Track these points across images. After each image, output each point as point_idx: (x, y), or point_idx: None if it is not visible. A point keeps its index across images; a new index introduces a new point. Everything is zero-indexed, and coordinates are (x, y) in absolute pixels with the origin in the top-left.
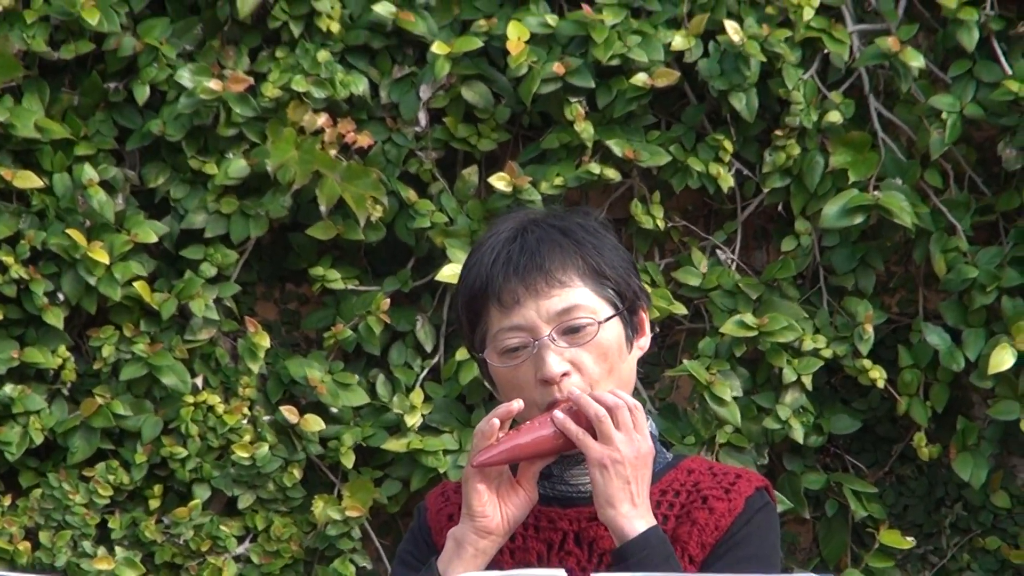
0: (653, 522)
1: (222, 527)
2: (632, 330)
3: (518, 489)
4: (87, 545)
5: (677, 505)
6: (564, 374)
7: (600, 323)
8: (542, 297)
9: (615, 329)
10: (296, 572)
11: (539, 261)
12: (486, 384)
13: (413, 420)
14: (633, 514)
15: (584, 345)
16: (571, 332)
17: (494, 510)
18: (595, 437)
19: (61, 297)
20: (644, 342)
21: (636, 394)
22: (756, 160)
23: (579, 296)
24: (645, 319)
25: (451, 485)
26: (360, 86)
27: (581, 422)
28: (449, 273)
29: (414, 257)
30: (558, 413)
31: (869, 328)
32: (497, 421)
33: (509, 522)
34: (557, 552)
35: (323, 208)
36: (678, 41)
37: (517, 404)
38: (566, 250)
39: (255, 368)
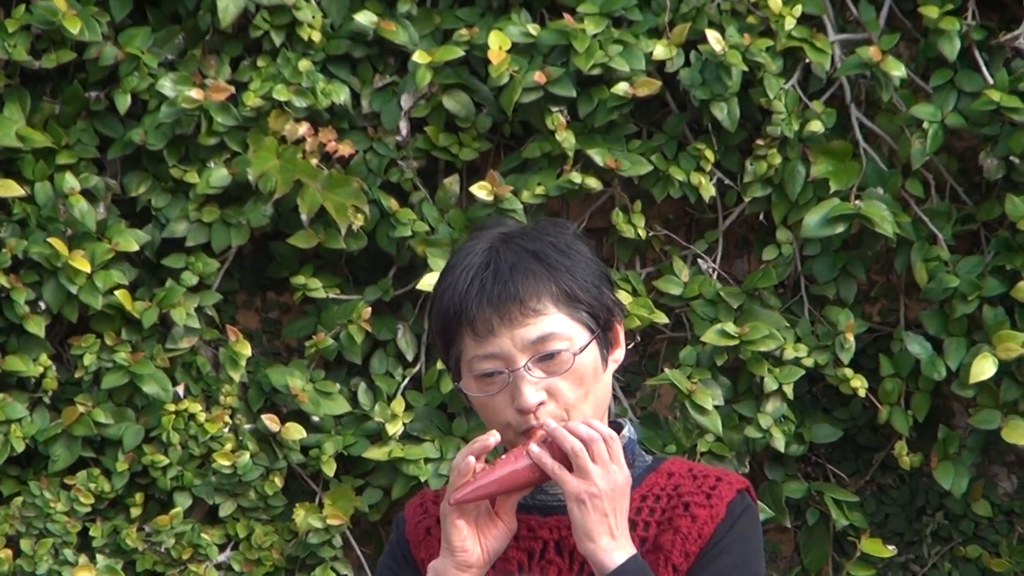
0: (632, 551)
1: (203, 535)
2: (607, 347)
3: (497, 521)
4: (68, 553)
5: (658, 511)
6: (540, 403)
7: (575, 354)
8: (516, 326)
9: (590, 353)
10: None
11: (512, 290)
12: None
13: (394, 428)
14: (612, 546)
15: (560, 374)
16: (546, 360)
17: (473, 544)
18: (571, 469)
19: (43, 306)
20: (619, 354)
21: (616, 403)
22: (737, 169)
23: (553, 324)
24: (620, 331)
25: (429, 495)
26: (341, 95)
27: (556, 454)
28: (430, 282)
29: (395, 266)
30: (534, 447)
31: (850, 337)
32: (472, 459)
33: (489, 554)
34: (538, 561)
35: (304, 217)
36: (659, 50)
37: (494, 439)
38: (539, 276)
39: (236, 376)
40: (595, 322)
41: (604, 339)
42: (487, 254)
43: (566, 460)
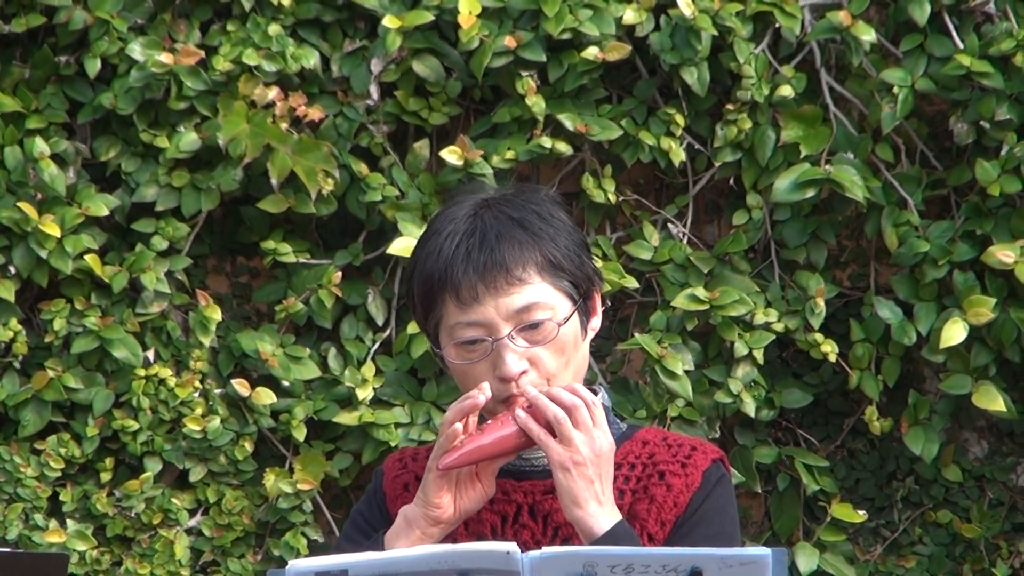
0: (619, 516)
1: (173, 500)
2: (586, 315)
3: (476, 483)
4: (39, 518)
5: (633, 479)
6: (522, 372)
7: (559, 324)
8: (501, 295)
9: (572, 323)
10: (248, 545)
11: (499, 258)
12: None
13: (364, 393)
14: (599, 512)
15: (543, 344)
16: (530, 329)
17: (449, 502)
18: (555, 437)
19: (12, 270)
20: (596, 322)
21: (587, 370)
22: (707, 134)
23: (537, 293)
24: (597, 300)
25: (409, 451)
26: (311, 60)
27: (541, 420)
28: (401, 246)
29: (365, 230)
30: (520, 413)
31: (821, 302)
32: (459, 426)
33: (460, 514)
34: (512, 525)
35: (274, 181)
36: (629, 15)
37: (483, 397)
38: (524, 245)
39: (206, 341)
40: (576, 291)
41: (584, 308)
42: (471, 220)
43: (550, 427)
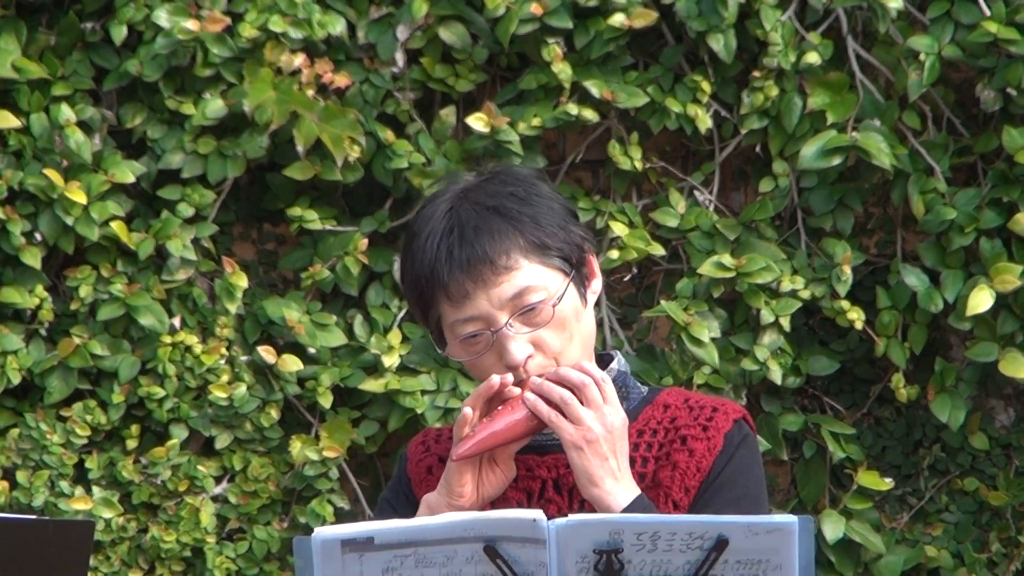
0: (636, 491)
1: (199, 467)
2: (583, 283)
3: (496, 468)
4: (64, 485)
5: (655, 446)
6: (528, 357)
7: (555, 304)
8: (491, 286)
9: (569, 297)
10: (274, 512)
11: (480, 252)
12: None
13: (391, 360)
14: (616, 489)
15: (543, 326)
16: (527, 313)
17: (471, 489)
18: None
19: (38, 237)
20: (596, 285)
21: (613, 336)
22: (734, 101)
23: (527, 276)
24: (593, 262)
25: (432, 432)
26: (337, 26)
27: (551, 402)
28: None
29: (392, 197)
30: (529, 395)
31: (847, 269)
32: (470, 410)
33: (483, 500)
34: (537, 501)
35: (300, 148)
36: None
37: (497, 378)
38: (504, 232)
39: (232, 308)
40: (568, 264)
41: (579, 276)
42: (448, 217)
43: (560, 409)
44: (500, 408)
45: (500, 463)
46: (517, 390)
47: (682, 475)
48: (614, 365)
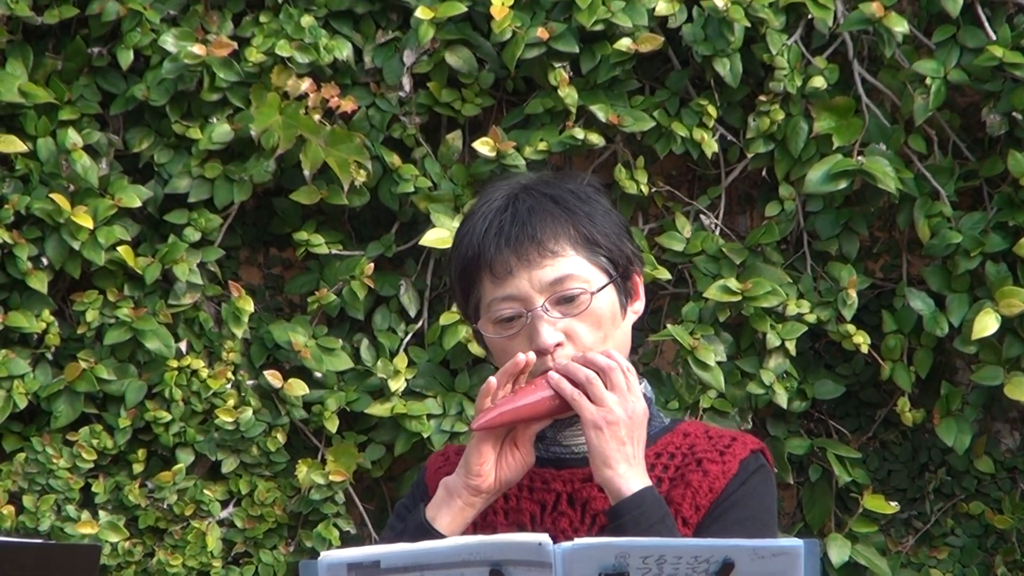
0: (648, 482)
1: (206, 491)
2: (626, 296)
3: (515, 452)
4: (71, 509)
5: (672, 468)
6: (558, 344)
7: (592, 293)
8: (534, 267)
9: (609, 297)
10: (280, 536)
11: (530, 231)
12: (470, 349)
13: (397, 385)
14: (629, 474)
15: (578, 315)
16: (564, 302)
17: (490, 471)
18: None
19: (45, 261)
20: (638, 306)
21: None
22: (740, 125)
23: (571, 265)
24: (639, 283)
25: (453, 448)
26: (344, 51)
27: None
28: (433, 238)
29: (398, 222)
30: (553, 374)
31: (853, 293)
32: (494, 380)
33: (502, 483)
34: (551, 513)
35: (307, 173)
36: (662, 6)
37: (523, 357)
38: (557, 219)
39: (239, 333)
40: (613, 267)
41: (623, 287)
42: (506, 199)
43: (585, 390)
44: (523, 386)
45: (520, 446)
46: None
47: (694, 493)
48: (641, 388)
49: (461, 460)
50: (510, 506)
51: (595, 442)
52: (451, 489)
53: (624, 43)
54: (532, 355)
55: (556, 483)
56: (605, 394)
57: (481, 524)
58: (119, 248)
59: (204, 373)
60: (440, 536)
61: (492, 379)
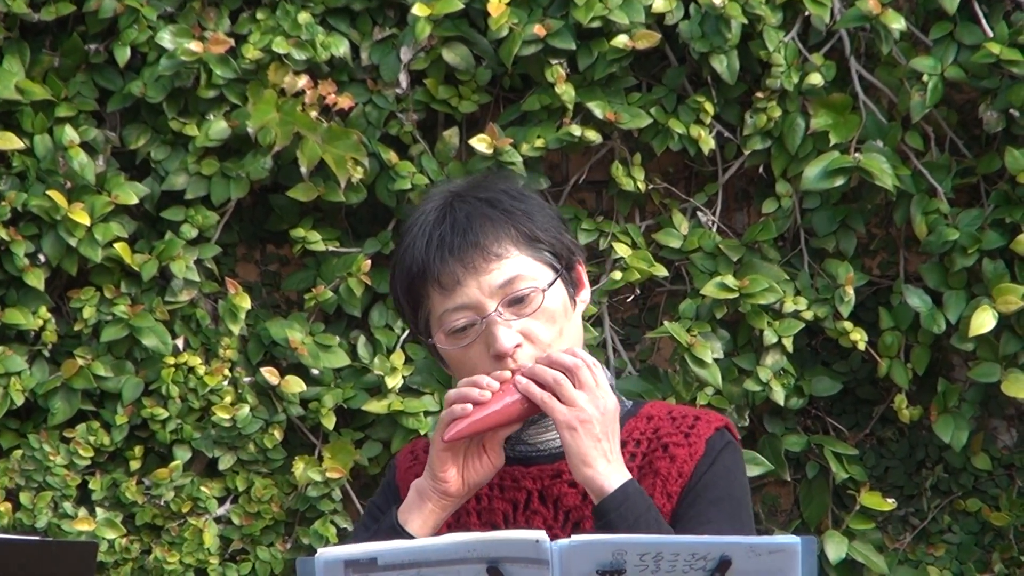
0: (628, 475)
1: (203, 488)
2: (573, 287)
3: (483, 456)
4: (68, 506)
5: (639, 455)
6: (516, 346)
7: (544, 291)
8: (481, 273)
9: (558, 291)
10: (277, 533)
11: (472, 237)
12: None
13: (394, 382)
14: (608, 470)
15: (532, 314)
16: (517, 303)
17: (456, 476)
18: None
19: (42, 258)
20: (585, 295)
21: (616, 356)
22: (737, 122)
23: (517, 265)
24: (583, 272)
25: (421, 443)
26: (341, 48)
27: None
28: None
29: (395, 219)
30: (520, 379)
31: (850, 290)
32: (470, 407)
33: (470, 486)
34: (523, 511)
35: (304, 170)
36: (659, 3)
37: (489, 394)
38: (496, 221)
39: (236, 329)
40: (557, 261)
41: (569, 279)
42: (440, 210)
43: (553, 392)
44: (491, 394)
45: (489, 450)
46: (508, 374)
47: (664, 481)
48: (607, 379)
49: (426, 466)
50: (482, 506)
51: (571, 443)
52: (421, 492)
53: (621, 40)
54: (495, 383)
55: (526, 481)
56: (575, 393)
57: (454, 525)
58: (116, 245)
59: (201, 370)
60: (411, 538)
61: (451, 392)
